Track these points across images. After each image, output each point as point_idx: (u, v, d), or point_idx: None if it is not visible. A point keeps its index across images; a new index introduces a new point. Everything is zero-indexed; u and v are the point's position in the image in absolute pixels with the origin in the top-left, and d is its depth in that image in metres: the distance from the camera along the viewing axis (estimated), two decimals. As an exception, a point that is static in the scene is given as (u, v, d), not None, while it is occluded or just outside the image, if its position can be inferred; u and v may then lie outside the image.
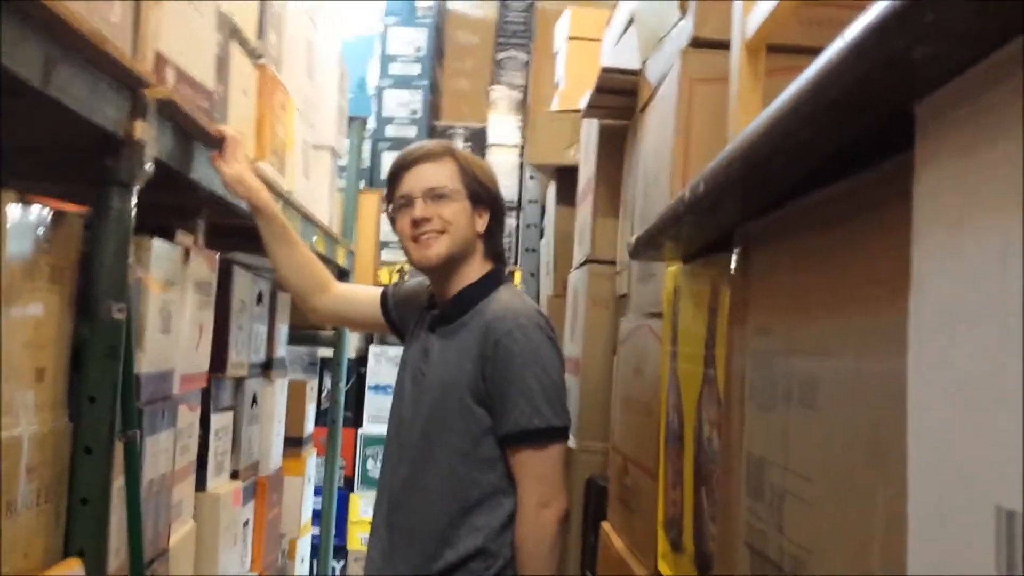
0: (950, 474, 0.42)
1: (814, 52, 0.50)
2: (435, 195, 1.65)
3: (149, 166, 1.28)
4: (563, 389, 1.64)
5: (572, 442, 2.15)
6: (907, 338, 0.47)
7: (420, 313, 1.78)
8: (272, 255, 1.81)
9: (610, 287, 2.07)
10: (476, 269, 1.70)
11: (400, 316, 1.86)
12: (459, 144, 4.62)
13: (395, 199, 1.70)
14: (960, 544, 0.40)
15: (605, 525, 1.62)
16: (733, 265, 0.85)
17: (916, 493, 0.45)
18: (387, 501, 1.67)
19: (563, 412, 1.61)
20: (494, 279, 1.70)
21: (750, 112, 1.12)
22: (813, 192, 0.65)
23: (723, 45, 1.26)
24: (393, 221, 1.73)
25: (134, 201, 1.28)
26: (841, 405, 0.59)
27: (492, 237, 1.73)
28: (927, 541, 0.44)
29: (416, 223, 1.64)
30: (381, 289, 1.91)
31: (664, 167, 1.40)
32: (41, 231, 1.15)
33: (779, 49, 1.18)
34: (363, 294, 1.96)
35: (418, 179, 1.66)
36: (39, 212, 1.14)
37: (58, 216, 1.18)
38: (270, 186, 2.00)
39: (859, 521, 0.55)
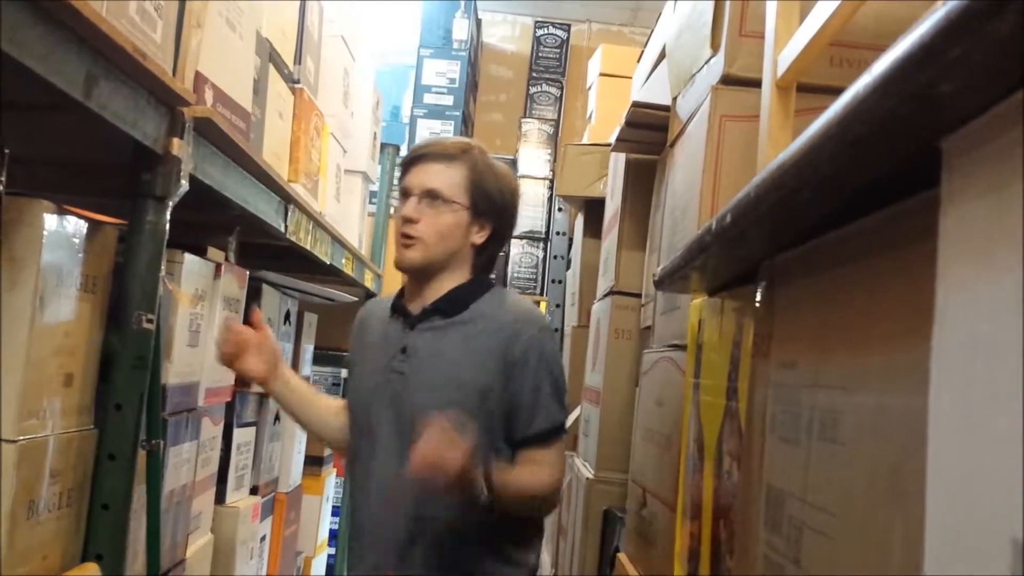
0: (967, 506, 0.42)
1: (843, 92, 0.51)
2: (431, 197, 1.59)
3: (184, 182, 1.30)
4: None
5: (590, 472, 2.14)
6: (929, 374, 0.47)
7: (382, 324, 1.69)
8: (303, 422, 1.77)
9: (633, 318, 2.07)
10: (461, 275, 1.64)
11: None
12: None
13: (400, 188, 1.66)
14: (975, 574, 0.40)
15: (621, 556, 1.62)
16: (758, 298, 0.86)
17: (933, 525, 0.45)
18: (390, 506, 1.57)
19: (566, 412, 1.67)
20: (485, 282, 1.68)
21: (779, 149, 1.12)
22: (839, 227, 0.65)
23: (753, 83, 1.27)
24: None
25: (168, 216, 1.30)
26: (863, 440, 0.59)
27: (486, 250, 1.66)
28: (943, 572, 0.44)
29: (404, 220, 1.59)
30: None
31: (693, 201, 1.41)
32: (77, 241, 1.17)
33: (809, 88, 1.19)
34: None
35: (421, 176, 1.60)
36: (75, 223, 1.17)
37: (94, 227, 1.21)
38: (302, 207, 2.03)
39: (877, 555, 0.54)
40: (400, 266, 1.62)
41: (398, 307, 1.67)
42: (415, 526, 1.55)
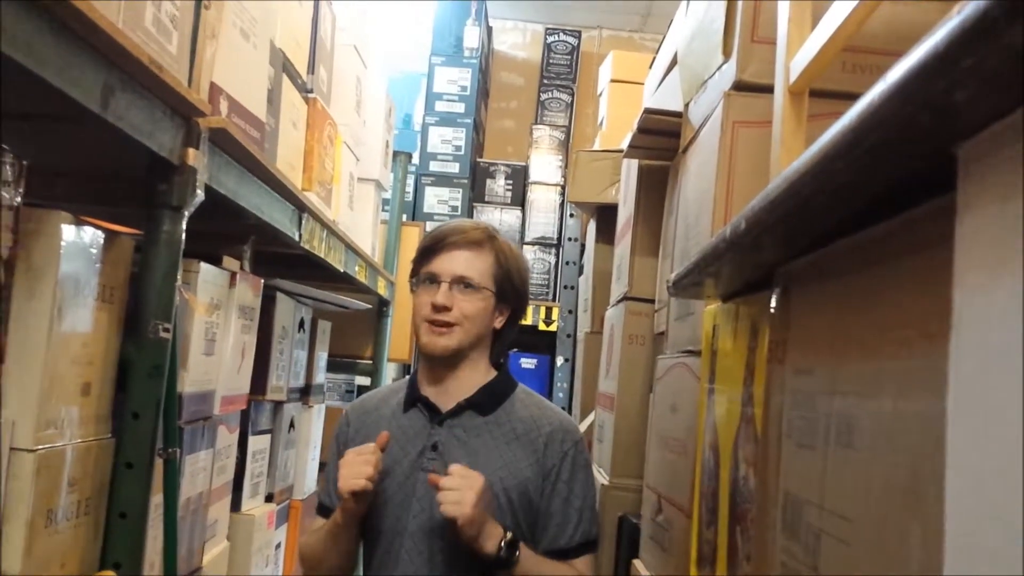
0: (987, 511, 0.42)
1: (856, 97, 0.51)
2: (464, 284, 1.58)
3: (200, 192, 1.32)
4: None
5: (605, 478, 2.14)
6: (946, 380, 0.47)
7: (393, 419, 1.63)
8: (341, 551, 1.61)
9: (647, 324, 2.07)
10: (484, 365, 1.64)
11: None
12: (500, 182, 4.67)
13: (421, 274, 1.62)
14: (996, 584, 0.40)
15: (637, 563, 1.61)
16: (773, 304, 0.86)
17: (953, 530, 0.45)
18: None
19: None
20: (512, 379, 1.68)
21: (792, 155, 1.13)
22: (854, 233, 0.65)
23: (766, 89, 1.27)
24: (414, 293, 1.64)
25: (184, 225, 1.31)
26: (880, 445, 0.59)
27: (504, 336, 1.67)
28: (963, 581, 0.44)
29: (436, 308, 1.57)
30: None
31: (706, 208, 1.41)
32: (94, 251, 1.18)
33: (822, 94, 1.19)
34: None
35: (451, 263, 1.59)
36: (92, 233, 1.18)
37: (110, 238, 1.22)
38: (316, 216, 2.04)
39: (895, 561, 0.54)
40: (434, 353, 1.59)
41: (419, 399, 1.62)
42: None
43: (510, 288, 1.64)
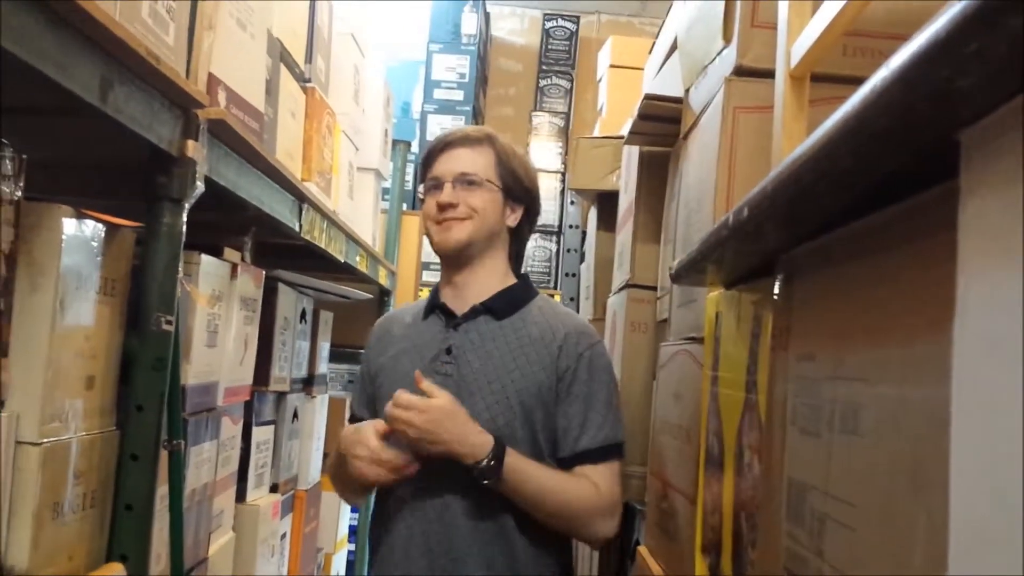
0: (991, 497, 0.42)
1: (858, 81, 0.51)
2: (466, 181, 1.57)
3: (200, 184, 1.31)
4: None
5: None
6: (950, 366, 0.47)
7: (413, 327, 1.65)
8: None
9: (649, 311, 2.07)
10: (503, 268, 1.62)
11: (364, 392, 1.70)
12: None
13: (427, 181, 1.63)
14: (1002, 572, 0.40)
15: (642, 550, 1.62)
16: (776, 291, 0.86)
17: (958, 520, 0.45)
18: (432, 520, 1.51)
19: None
20: (532, 287, 1.66)
21: (794, 140, 1.13)
22: (856, 220, 0.65)
23: (766, 74, 1.26)
24: (423, 203, 1.65)
25: (185, 217, 1.31)
26: (884, 431, 0.59)
27: (521, 236, 1.66)
28: (968, 569, 0.44)
29: (442, 207, 1.57)
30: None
31: (707, 194, 1.41)
32: (95, 245, 1.18)
33: (823, 78, 1.18)
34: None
35: (450, 163, 1.59)
36: (93, 227, 1.18)
37: (111, 231, 1.21)
38: (316, 206, 2.04)
39: (900, 547, 0.55)
40: (447, 249, 1.58)
41: (438, 306, 1.61)
42: (462, 536, 1.49)
43: (516, 184, 1.62)
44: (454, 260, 1.61)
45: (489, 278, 1.61)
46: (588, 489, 1.51)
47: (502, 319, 1.57)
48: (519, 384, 1.52)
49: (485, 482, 1.43)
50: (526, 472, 1.46)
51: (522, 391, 1.51)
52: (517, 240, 1.66)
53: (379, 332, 1.71)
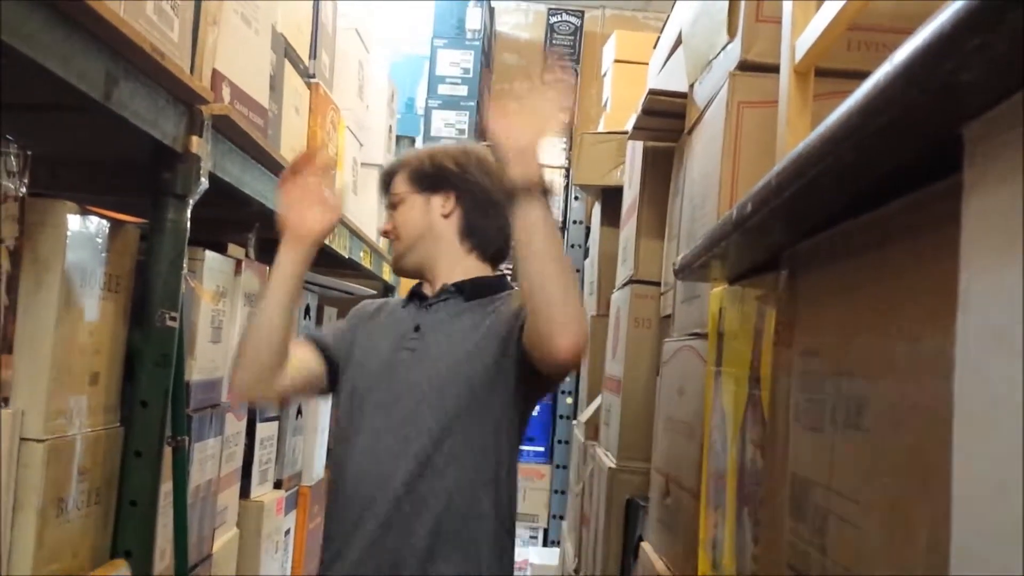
0: (993, 496, 0.42)
1: (863, 76, 0.51)
2: (391, 206, 1.62)
3: (204, 180, 1.31)
4: None
5: (612, 462, 2.14)
6: (953, 361, 0.47)
7: (395, 311, 1.63)
8: (269, 314, 1.45)
9: (653, 307, 2.07)
10: (471, 261, 1.59)
11: (341, 337, 1.63)
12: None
13: None
14: (1003, 567, 0.40)
15: (645, 545, 1.62)
16: (780, 286, 0.86)
17: (959, 515, 0.45)
18: (377, 485, 1.44)
19: None
20: (506, 282, 1.63)
21: (798, 135, 1.12)
22: (860, 214, 0.65)
23: (771, 68, 1.26)
24: None
25: (189, 213, 1.31)
26: (887, 427, 0.59)
27: (468, 222, 1.59)
28: (970, 564, 0.44)
29: (383, 235, 1.68)
30: (302, 338, 1.63)
31: (711, 189, 1.40)
32: (99, 241, 1.18)
33: (827, 73, 1.18)
34: (298, 350, 1.55)
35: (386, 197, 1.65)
36: (98, 223, 1.18)
37: (116, 227, 1.22)
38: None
39: (903, 543, 0.54)
40: (397, 272, 1.66)
41: (415, 292, 1.62)
42: (409, 501, 1.42)
43: (435, 173, 1.59)
44: (412, 276, 1.63)
45: (452, 269, 1.59)
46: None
47: (470, 300, 1.56)
48: (472, 354, 1.48)
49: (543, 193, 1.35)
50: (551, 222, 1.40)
51: (473, 355, 1.48)
52: (468, 227, 1.60)
53: (368, 305, 1.72)
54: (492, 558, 1.46)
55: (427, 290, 1.61)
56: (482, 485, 1.46)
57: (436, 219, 1.58)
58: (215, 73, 1.39)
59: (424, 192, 1.59)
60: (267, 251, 2.05)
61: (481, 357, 1.48)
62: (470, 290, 1.57)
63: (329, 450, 2.76)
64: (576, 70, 4.91)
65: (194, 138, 1.29)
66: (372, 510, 1.44)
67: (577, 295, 1.41)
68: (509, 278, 1.66)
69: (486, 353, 1.48)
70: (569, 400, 4.41)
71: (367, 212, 2.89)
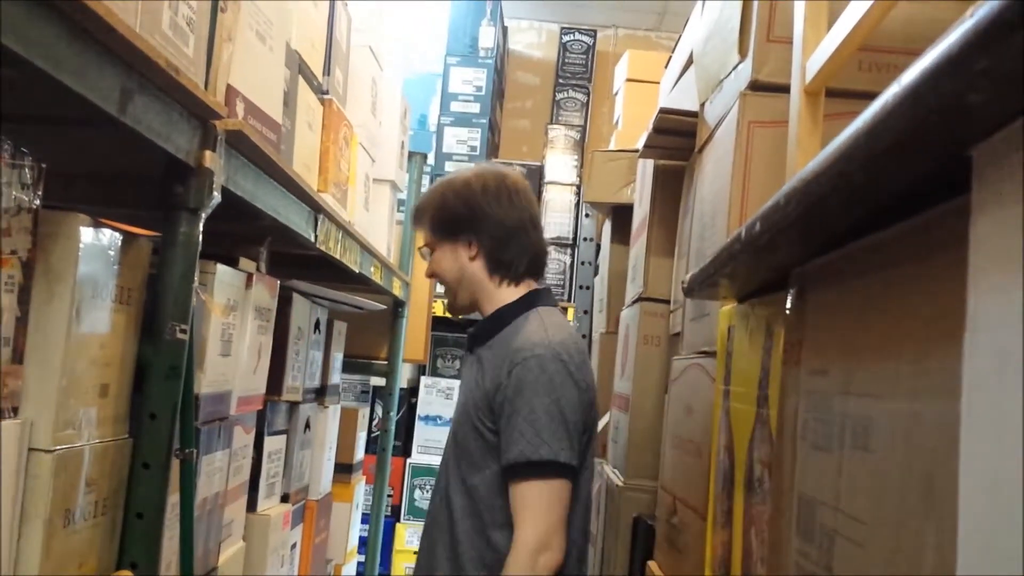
0: (1000, 514, 0.42)
1: (872, 97, 0.51)
2: (425, 254, 1.78)
3: (216, 194, 1.32)
4: (577, 426, 1.54)
5: (619, 480, 2.13)
6: (960, 382, 0.47)
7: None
8: None
9: (662, 325, 2.06)
10: (502, 291, 1.71)
11: None
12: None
13: None
14: (1011, 588, 0.40)
15: (652, 564, 1.61)
16: (788, 305, 0.86)
17: (966, 537, 0.45)
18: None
19: (571, 450, 1.52)
20: (527, 302, 1.68)
21: (808, 155, 1.12)
22: (869, 234, 0.65)
23: (782, 88, 1.26)
24: None
25: (201, 227, 1.32)
26: (895, 448, 0.59)
27: (493, 256, 1.70)
28: (977, 585, 0.44)
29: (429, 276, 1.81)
30: None
31: (721, 208, 1.40)
32: (111, 253, 1.19)
33: (838, 93, 1.18)
34: None
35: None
36: (110, 235, 1.19)
37: (128, 239, 1.22)
38: (331, 217, 2.05)
39: (909, 564, 0.54)
40: (452, 314, 1.82)
41: (468, 334, 1.79)
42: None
43: (452, 221, 1.71)
44: (468, 313, 1.80)
45: (491, 304, 1.72)
46: (513, 553, 1.50)
47: (484, 344, 1.68)
48: (477, 402, 1.61)
49: None
50: None
51: (475, 407, 1.61)
52: (493, 260, 1.70)
53: None
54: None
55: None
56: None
57: (465, 263, 1.71)
58: (229, 88, 1.40)
59: (448, 240, 1.72)
60: (278, 264, 2.05)
61: (464, 420, 1.63)
62: (480, 334, 1.71)
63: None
64: (588, 89, 4.92)
65: (207, 153, 1.30)
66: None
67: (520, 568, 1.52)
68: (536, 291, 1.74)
69: (468, 420, 1.63)
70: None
71: (378, 227, 2.90)
